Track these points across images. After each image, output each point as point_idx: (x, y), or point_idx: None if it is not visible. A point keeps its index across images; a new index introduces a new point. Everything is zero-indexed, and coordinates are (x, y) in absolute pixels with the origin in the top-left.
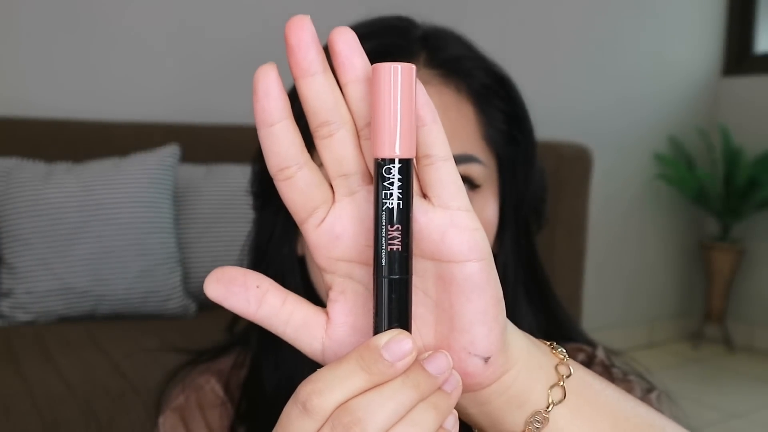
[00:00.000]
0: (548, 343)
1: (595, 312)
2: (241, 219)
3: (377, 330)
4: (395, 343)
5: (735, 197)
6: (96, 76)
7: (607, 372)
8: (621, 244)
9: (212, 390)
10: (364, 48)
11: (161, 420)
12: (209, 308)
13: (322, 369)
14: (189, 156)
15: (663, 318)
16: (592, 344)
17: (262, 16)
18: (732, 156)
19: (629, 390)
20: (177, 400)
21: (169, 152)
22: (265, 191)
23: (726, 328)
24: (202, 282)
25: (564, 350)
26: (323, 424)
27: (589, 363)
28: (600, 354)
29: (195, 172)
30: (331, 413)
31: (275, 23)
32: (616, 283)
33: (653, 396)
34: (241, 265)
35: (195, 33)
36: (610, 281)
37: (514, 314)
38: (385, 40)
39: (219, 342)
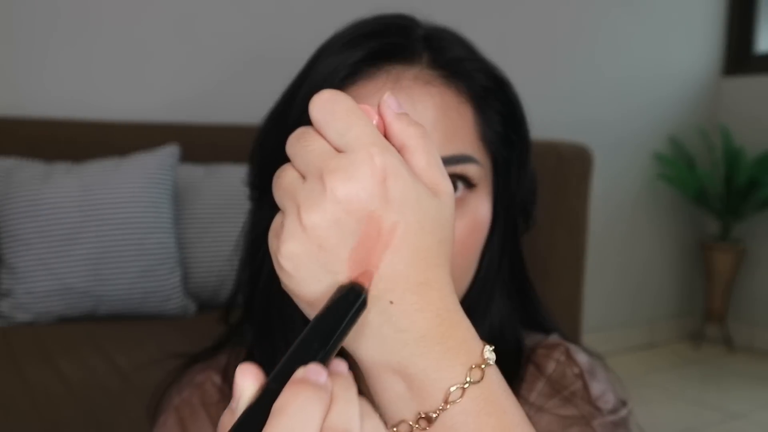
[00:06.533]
0: (491, 347)
1: (596, 312)
2: (240, 219)
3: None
4: (314, 371)
5: (735, 197)
6: (95, 76)
7: (564, 376)
8: (621, 245)
9: (214, 386)
10: (366, 47)
11: (162, 419)
12: (209, 308)
13: (269, 428)
14: (188, 156)
15: (663, 318)
16: (570, 341)
17: (263, 16)
18: (732, 156)
19: (570, 409)
20: (177, 399)
21: (169, 152)
22: (263, 183)
23: (726, 328)
24: (202, 282)
25: (491, 358)
26: None
27: (566, 359)
28: (577, 357)
29: (194, 172)
30: None
31: (275, 23)
32: (617, 284)
33: (596, 424)
34: (236, 257)
35: (195, 33)
36: (611, 281)
37: (489, 308)
38: (387, 39)
39: (216, 337)
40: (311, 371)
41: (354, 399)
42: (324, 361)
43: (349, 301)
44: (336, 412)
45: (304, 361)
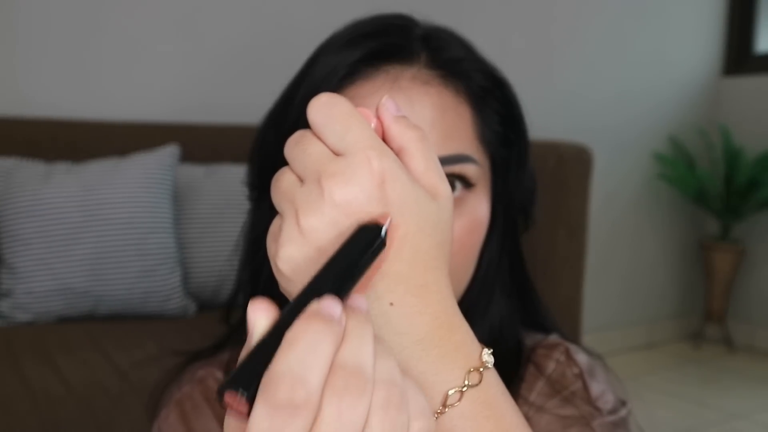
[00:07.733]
0: (489, 350)
1: (596, 312)
2: (240, 219)
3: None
4: (328, 304)
5: (735, 197)
6: (95, 76)
7: (564, 375)
8: (621, 244)
9: (216, 381)
10: (365, 47)
11: (163, 413)
12: (209, 308)
13: (279, 358)
14: (189, 156)
15: (663, 318)
16: (570, 341)
17: (263, 16)
18: (732, 156)
19: (567, 410)
20: (178, 394)
21: (169, 152)
22: (262, 183)
23: (726, 328)
24: (202, 282)
25: (489, 361)
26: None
27: (566, 359)
28: (577, 357)
29: (195, 172)
30: (322, 393)
31: (276, 23)
32: (617, 283)
33: (596, 424)
34: (236, 257)
35: (195, 33)
36: (611, 281)
37: (489, 308)
38: (386, 39)
39: (216, 336)
40: (325, 304)
41: (368, 336)
42: (340, 296)
43: (368, 239)
44: (348, 348)
45: (319, 296)
